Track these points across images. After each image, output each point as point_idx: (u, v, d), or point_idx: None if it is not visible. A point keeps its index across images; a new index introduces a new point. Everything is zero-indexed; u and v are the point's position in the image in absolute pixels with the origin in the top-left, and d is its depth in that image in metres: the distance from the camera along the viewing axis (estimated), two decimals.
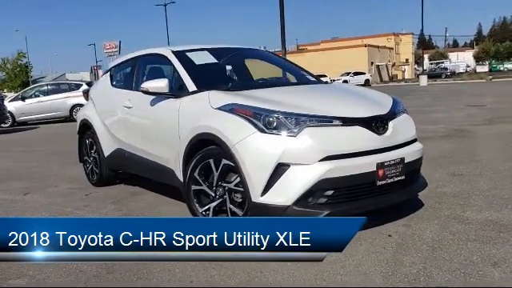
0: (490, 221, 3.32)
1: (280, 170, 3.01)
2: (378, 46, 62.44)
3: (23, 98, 17.08)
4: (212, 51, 4.36)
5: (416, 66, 75.59)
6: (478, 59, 79.13)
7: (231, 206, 3.33)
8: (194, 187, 3.53)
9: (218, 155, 3.35)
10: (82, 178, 5.76)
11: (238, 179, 3.24)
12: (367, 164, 3.08)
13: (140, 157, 4.40)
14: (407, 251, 2.87)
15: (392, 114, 3.39)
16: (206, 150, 3.43)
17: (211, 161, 3.40)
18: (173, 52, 4.20)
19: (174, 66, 4.04)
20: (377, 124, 3.20)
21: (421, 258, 2.76)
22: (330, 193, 3.01)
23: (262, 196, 3.06)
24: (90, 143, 5.35)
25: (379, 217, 3.40)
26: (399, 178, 3.25)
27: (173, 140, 3.80)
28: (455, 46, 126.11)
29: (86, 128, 5.39)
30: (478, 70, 64.83)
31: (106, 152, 5.01)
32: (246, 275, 2.68)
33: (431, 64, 65.86)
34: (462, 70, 66.44)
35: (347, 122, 3.14)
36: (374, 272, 2.61)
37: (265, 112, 3.13)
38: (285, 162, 3.00)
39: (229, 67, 4.60)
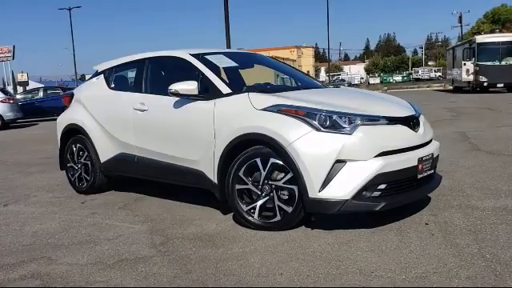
0: (498, 208, 3.82)
1: (337, 166, 3.22)
2: (282, 58, 65.02)
3: None
4: (227, 55, 4.44)
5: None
6: (369, 72, 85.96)
7: (279, 203, 3.45)
8: (238, 186, 3.59)
9: (265, 154, 3.47)
10: (59, 186, 5.44)
11: (288, 177, 3.38)
12: (411, 159, 3.41)
13: (155, 160, 4.31)
14: (455, 235, 3.22)
15: (418, 114, 3.78)
16: (253, 149, 3.52)
17: (258, 160, 3.50)
18: (192, 55, 4.21)
19: (198, 69, 4.06)
20: (413, 123, 3.56)
21: (471, 239, 3.13)
22: (383, 186, 3.28)
23: (319, 192, 3.24)
24: (78, 149, 5.08)
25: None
26: (430, 172, 3.63)
27: (205, 142, 3.82)
28: (346, 59, 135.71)
29: (73, 133, 5.11)
30: (371, 82, 70.40)
31: (104, 157, 4.81)
32: None
33: (328, 76, 70.30)
34: (357, 82, 71.60)
35: (391, 121, 3.45)
36: (442, 255, 2.91)
37: (319, 112, 3.33)
38: (342, 158, 3.21)
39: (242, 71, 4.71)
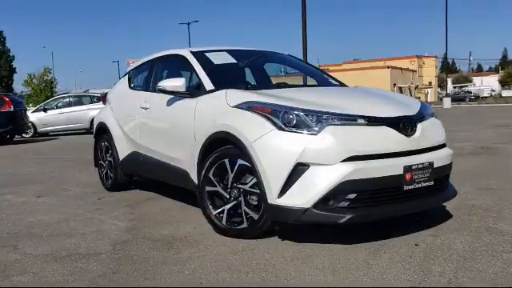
0: None
1: (299, 170, 2.83)
2: (400, 68, 62.12)
3: (45, 109, 17.30)
4: (232, 52, 4.25)
5: (439, 90, 74.83)
6: (504, 84, 77.82)
7: (246, 209, 3.15)
8: (208, 188, 3.37)
9: (233, 155, 3.20)
10: (96, 183, 5.67)
11: (254, 180, 3.07)
12: (394, 166, 2.87)
13: (154, 159, 4.27)
14: (436, 261, 2.63)
15: (420, 116, 3.19)
16: (222, 149, 3.28)
17: (226, 161, 3.24)
18: (191, 52, 4.10)
19: (191, 65, 3.93)
20: (405, 125, 3.00)
21: (451, 267, 2.52)
22: (352, 196, 2.81)
23: (279, 198, 2.88)
24: (105, 147, 5.26)
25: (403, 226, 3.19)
26: (427, 184, 3.03)
27: (188, 140, 3.67)
28: (479, 70, 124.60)
29: (102, 131, 5.31)
30: (503, 95, 63.72)
31: (121, 155, 4.91)
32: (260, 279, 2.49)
33: (454, 87, 65.09)
34: (486, 94, 65.44)
35: (373, 121, 2.95)
36: (399, 280, 2.38)
37: (284, 109, 2.97)
38: (304, 161, 2.82)
39: (248, 70, 4.47)
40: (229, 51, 4.25)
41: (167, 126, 4.02)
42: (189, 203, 4.38)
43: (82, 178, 6.40)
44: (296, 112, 2.93)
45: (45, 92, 53.79)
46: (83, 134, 16.84)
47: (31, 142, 14.31)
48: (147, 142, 4.38)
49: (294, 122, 2.91)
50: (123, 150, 4.86)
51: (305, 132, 2.86)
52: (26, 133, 15.95)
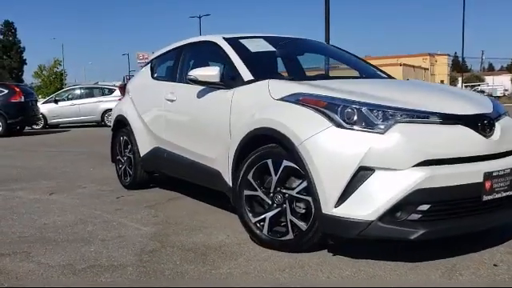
0: None
1: (362, 175, 2.41)
2: (413, 66, 61.27)
3: (56, 101, 16.97)
4: (268, 39, 3.82)
5: None
6: None
7: (292, 218, 2.73)
8: (246, 192, 2.95)
9: (278, 155, 2.78)
10: (113, 179, 5.28)
11: (303, 185, 2.65)
12: (473, 173, 2.44)
13: (181, 156, 3.86)
14: None
15: (497, 115, 2.75)
16: (264, 148, 2.86)
17: (269, 161, 2.82)
18: (225, 39, 3.67)
19: (226, 53, 3.51)
20: (483, 124, 2.56)
21: None
22: (425, 207, 2.38)
23: (335, 207, 2.45)
24: (124, 141, 4.86)
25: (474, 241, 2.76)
26: (507, 194, 2.59)
27: (221, 137, 3.26)
28: (490, 69, 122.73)
29: (121, 125, 4.91)
30: None
31: (142, 151, 4.50)
32: None
33: (466, 87, 64.16)
34: (499, 94, 64.35)
35: (447, 119, 2.51)
36: None
37: (343, 102, 2.55)
38: (369, 165, 2.39)
39: (288, 58, 4.04)
40: (265, 38, 3.82)
41: (197, 121, 3.61)
42: (215, 205, 3.98)
43: (96, 173, 6.01)
44: (357, 106, 2.50)
45: (54, 84, 53.58)
46: (94, 127, 16.55)
47: (41, 134, 14.00)
48: (173, 138, 3.97)
49: (356, 117, 2.48)
50: (145, 146, 4.46)
51: (369, 130, 2.43)
52: (37, 124, 15.63)
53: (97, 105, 16.57)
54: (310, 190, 2.57)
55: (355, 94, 2.65)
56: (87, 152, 8.68)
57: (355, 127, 2.46)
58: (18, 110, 13.03)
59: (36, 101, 14.77)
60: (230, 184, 3.18)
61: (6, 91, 13.10)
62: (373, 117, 2.46)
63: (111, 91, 17.42)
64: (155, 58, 4.77)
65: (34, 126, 15.61)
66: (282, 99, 2.82)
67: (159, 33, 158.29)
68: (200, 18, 45.94)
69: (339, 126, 2.49)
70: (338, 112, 2.52)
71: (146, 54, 53.05)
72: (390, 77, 3.87)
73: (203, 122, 3.53)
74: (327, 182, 2.46)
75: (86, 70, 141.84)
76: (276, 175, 2.78)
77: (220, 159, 3.30)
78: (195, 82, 3.40)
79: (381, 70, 3.98)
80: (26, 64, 54.95)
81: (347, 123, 2.48)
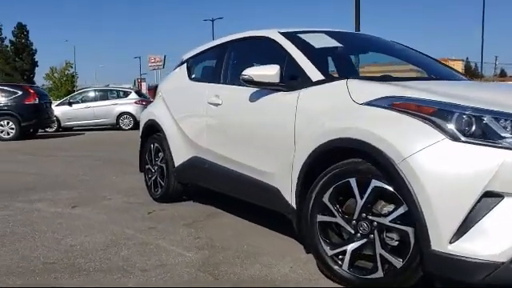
0: None
1: (487, 202, 1.87)
2: None
3: (70, 103, 16.57)
4: (331, 35, 3.30)
5: None
6: None
7: (383, 252, 2.20)
8: (320, 218, 2.43)
9: (365, 173, 2.25)
10: (140, 190, 4.79)
11: (399, 212, 2.13)
12: None
13: (226, 168, 3.35)
14: None
15: None
16: (346, 164, 2.33)
17: (353, 181, 2.29)
18: (282, 33, 3.16)
19: (285, 49, 3.00)
20: None
21: None
22: None
23: (451, 243, 1.92)
24: (155, 149, 4.36)
25: None
26: None
27: (283, 148, 2.74)
28: (502, 75, 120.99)
29: (153, 130, 4.41)
30: None
31: (178, 160, 4.00)
32: None
33: None
34: None
35: None
36: None
37: (457, 109, 2.01)
38: (496, 190, 1.86)
39: (354, 56, 3.52)
40: (327, 32, 3.30)
41: (249, 128, 3.09)
42: (262, 223, 3.47)
43: (120, 182, 5.52)
44: (477, 114, 1.97)
45: (65, 86, 53.51)
46: (109, 130, 16.12)
47: (55, 137, 13.57)
48: (216, 147, 3.46)
49: (476, 128, 1.95)
50: (180, 154, 3.96)
51: (495, 145, 1.90)
52: (51, 127, 15.23)
53: (112, 108, 16.16)
54: (412, 218, 2.04)
55: (467, 98, 2.12)
56: (105, 157, 8.21)
57: (476, 141, 1.93)
58: (32, 112, 12.61)
59: (50, 103, 14.35)
60: (294, 205, 2.66)
61: (20, 93, 12.70)
62: (499, 127, 1.92)
63: (126, 94, 17.03)
64: (191, 58, 4.26)
65: (48, 129, 15.21)
66: (369, 104, 2.29)
67: (170, 36, 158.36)
68: (213, 21, 45.54)
69: (455, 138, 1.96)
70: (452, 121, 1.98)
71: (157, 57, 52.98)
72: (470, 79, 3.32)
73: (257, 130, 3.01)
74: (440, 210, 1.93)
75: (97, 72, 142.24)
76: (362, 198, 2.25)
77: (280, 174, 2.78)
78: (250, 82, 2.88)
79: (458, 72, 3.43)
80: (37, 66, 54.82)
81: (466, 135, 1.95)
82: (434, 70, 3.42)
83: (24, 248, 3.08)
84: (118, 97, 16.85)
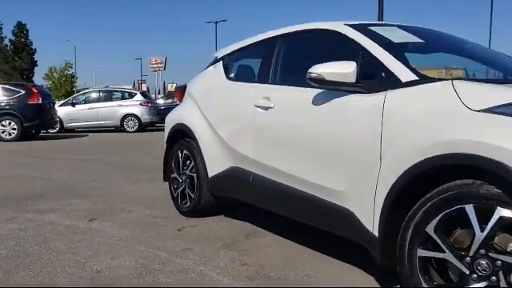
0: None
1: None
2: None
3: (73, 104, 16.04)
4: (405, 28, 2.83)
5: None
6: None
7: None
8: (421, 253, 1.95)
9: (486, 198, 1.78)
10: (162, 200, 4.32)
11: None
12: None
13: (278, 183, 2.87)
14: None
15: None
16: (458, 186, 1.86)
17: (469, 208, 1.82)
18: (350, 26, 2.69)
19: (359, 44, 2.52)
20: None
21: None
22: None
23: None
24: (184, 156, 3.88)
25: None
26: None
27: (361, 162, 2.27)
28: None
29: (181, 135, 3.93)
30: None
31: (212, 170, 3.52)
32: None
33: None
34: None
35: None
36: None
37: None
38: None
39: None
40: (399, 26, 2.84)
41: (314, 136, 2.61)
42: (313, 246, 3.00)
43: (136, 191, 5.03)
44: None
45: (65, 86, 52.92)
46: (113, 132, 15.62)
47: (58, 139, 13.05)
48: (266, 157, 2.98)
49: None
50: (216, 164, 3.48)
51: None
52: (54, 128, 14.70)
53: (116, 109, 15.65)
54: None
55: None
56: (114, 161, 7.73)
57: None
58: (35, 112, 12.10)
59: (53, 103, 13.85)
60: (375, 233, 2.18)
61: (23, 92, 12.19)
62: None
63: (131, 95, 16.54)
64: (228, 55, 3.77)
65: (50, 130, 14.68)
66: (491, 111, 1.82)
67: (174, 37, 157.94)
68: (216, 23, 45.07)
69: None
70: None
71: (158, 59, 52.52)
72: None
73: (325, 139, 2.53)
74: None
75: (96, 73, 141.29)
76: (483, 230, 1.77)
77: (355, 194, 2.30)
78: (320, 82, 2.41)
79: None
80: (37, 66, 54.19)
81: None
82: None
83: (41, 273, 2.59)
84: (123, 98, 16.36)
